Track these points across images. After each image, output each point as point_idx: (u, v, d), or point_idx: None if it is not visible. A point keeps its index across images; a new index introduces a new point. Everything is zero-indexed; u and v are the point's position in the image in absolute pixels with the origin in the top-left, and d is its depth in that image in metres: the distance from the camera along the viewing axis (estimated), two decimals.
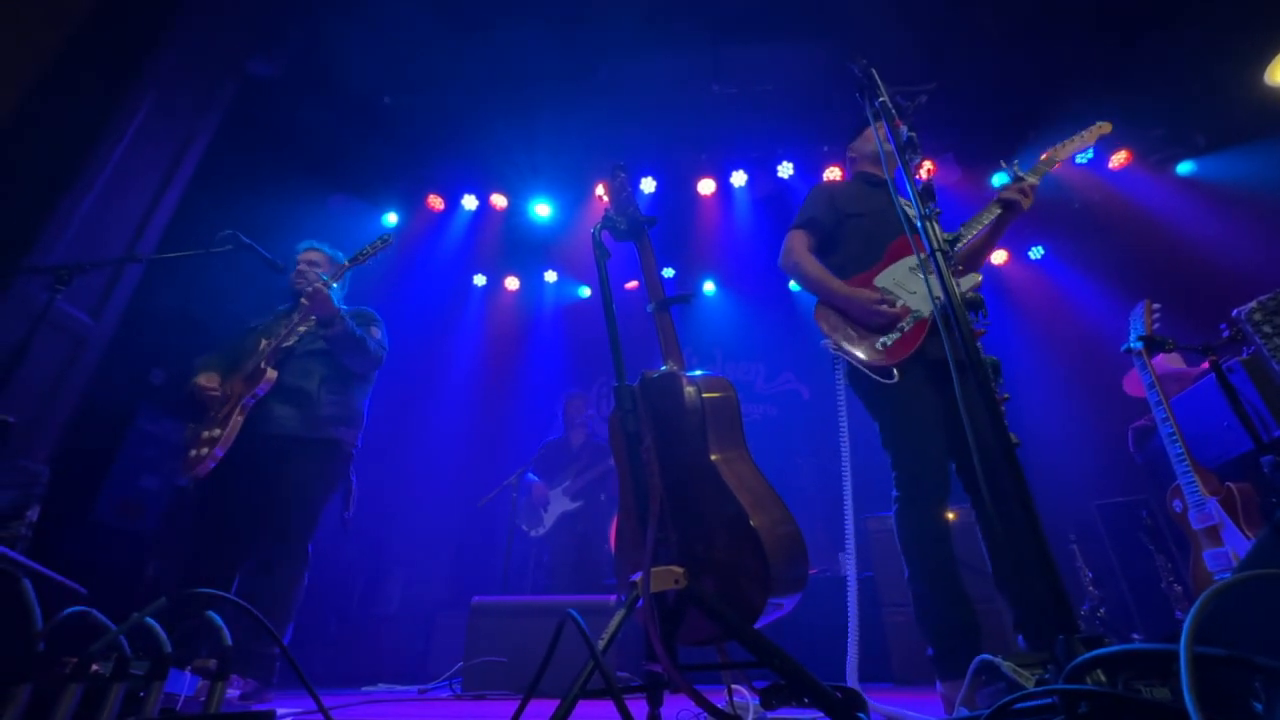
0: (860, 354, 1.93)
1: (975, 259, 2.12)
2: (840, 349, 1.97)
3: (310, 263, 2.83)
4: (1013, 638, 1.74)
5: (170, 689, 1.43)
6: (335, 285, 2.61)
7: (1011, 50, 4.01)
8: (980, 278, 1.94)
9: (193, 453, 2.41)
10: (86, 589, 1.40)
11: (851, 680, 1.69)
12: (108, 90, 2.94)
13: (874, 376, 1.89)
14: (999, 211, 1.99)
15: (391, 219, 5.43)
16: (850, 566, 1.89)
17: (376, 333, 2.79)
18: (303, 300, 2.54)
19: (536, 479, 4.33)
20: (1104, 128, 2.15)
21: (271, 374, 2.48)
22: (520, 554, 4.32)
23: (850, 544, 1.91)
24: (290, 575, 2.39)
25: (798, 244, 2.18)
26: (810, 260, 2.13)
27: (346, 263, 2.69)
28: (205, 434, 2.43)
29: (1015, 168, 2.02)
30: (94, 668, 1.05)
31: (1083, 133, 2.16)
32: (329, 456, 2.56)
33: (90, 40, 2.88)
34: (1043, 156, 2.11)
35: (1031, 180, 2.00)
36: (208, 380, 2.51)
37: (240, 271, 3.08)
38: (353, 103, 4.43)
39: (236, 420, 2.41)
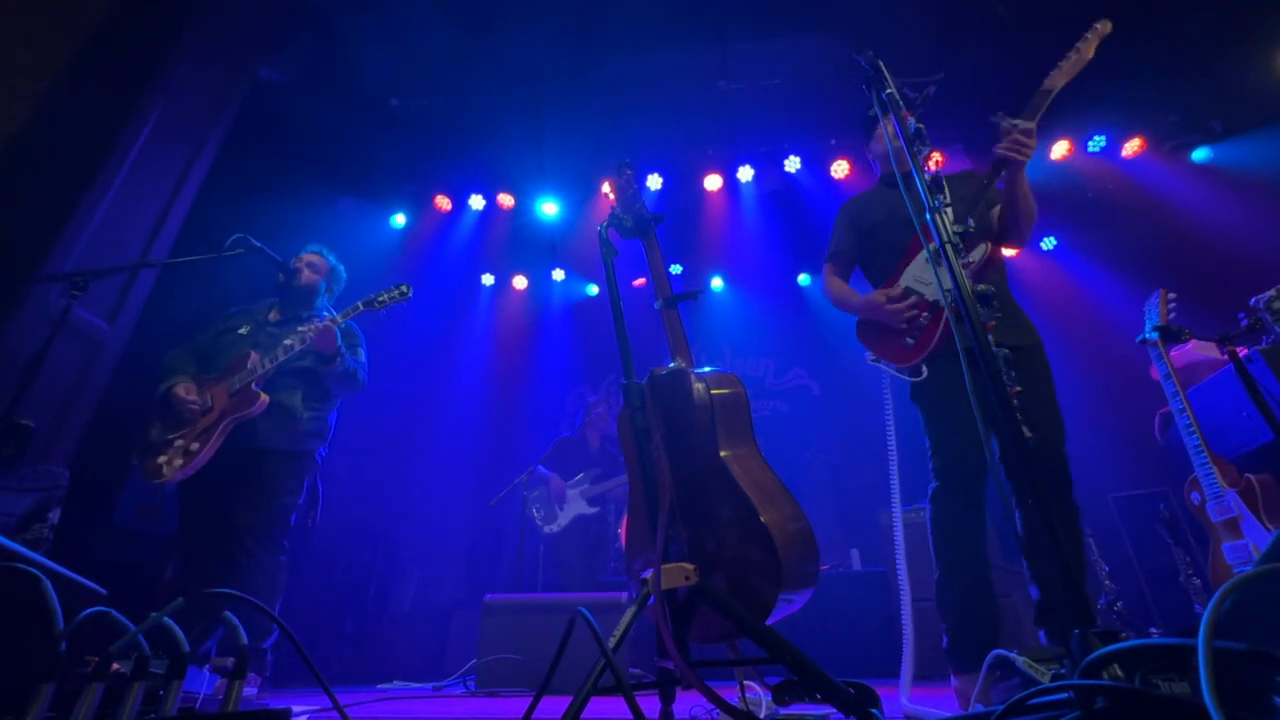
0: (892, 359, 1.96)
1: (1007, 223, 1.96)
2: (878, 361, 2.01)
3: (309, 264, 2.83)
4: (1028, 632, 1.73)
5: (189, 687, 1.45)
6: (343, 323, 2.62)
7: (1020, 37, 3.95)
8: (988, 246, 1.87)
9: (162, 458, 2.36)
10: (106, 590, 1.43)
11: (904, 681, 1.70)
12: (120, 98, 2.97)
13: (906, 377, 1.92)
14: (1003, 170, 1.84)
15: (400, 220, 5.46)
16: (902, 571, 1.90)
17: (360, 354, 2.79)
18: (309, 332, 2.53)
19: (551, 473, 4.32)
20: (1103, 29, 1.85)
21: (265, 398, 2.46)
22: (532, 552, 4.34)
23: (900, 546, 1.91)
24: (271, 574, 2.42)
25: (827, 277, 2.26)
26: (834, 284, 2.22)
27: (360, 305, 2.68)
28: (180, 443, 2.38)
29: (1001, 118, 1.81)
30: (114, 667, 1.07)
31: (1078, 44, 1.84)
32: (303, 467, 2.60)
33: (101, 49, 2.92)
34: (1041, 87, 1.84)
35: (1026, 124, 1.79)
36: (186, 391, 2.44)
37: (252, 274, 3.11)
38: (360, 105, 4.46)
39: (219, 440, 2.39)
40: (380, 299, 2.70)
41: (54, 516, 2.33)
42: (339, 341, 2.57)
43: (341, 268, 2.98)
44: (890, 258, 2.09)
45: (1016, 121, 1.80)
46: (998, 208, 1.98)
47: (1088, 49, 1.84)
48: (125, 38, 3.01)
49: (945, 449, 1.85)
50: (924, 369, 1.86)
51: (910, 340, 1.92)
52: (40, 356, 2.13)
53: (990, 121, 1.84)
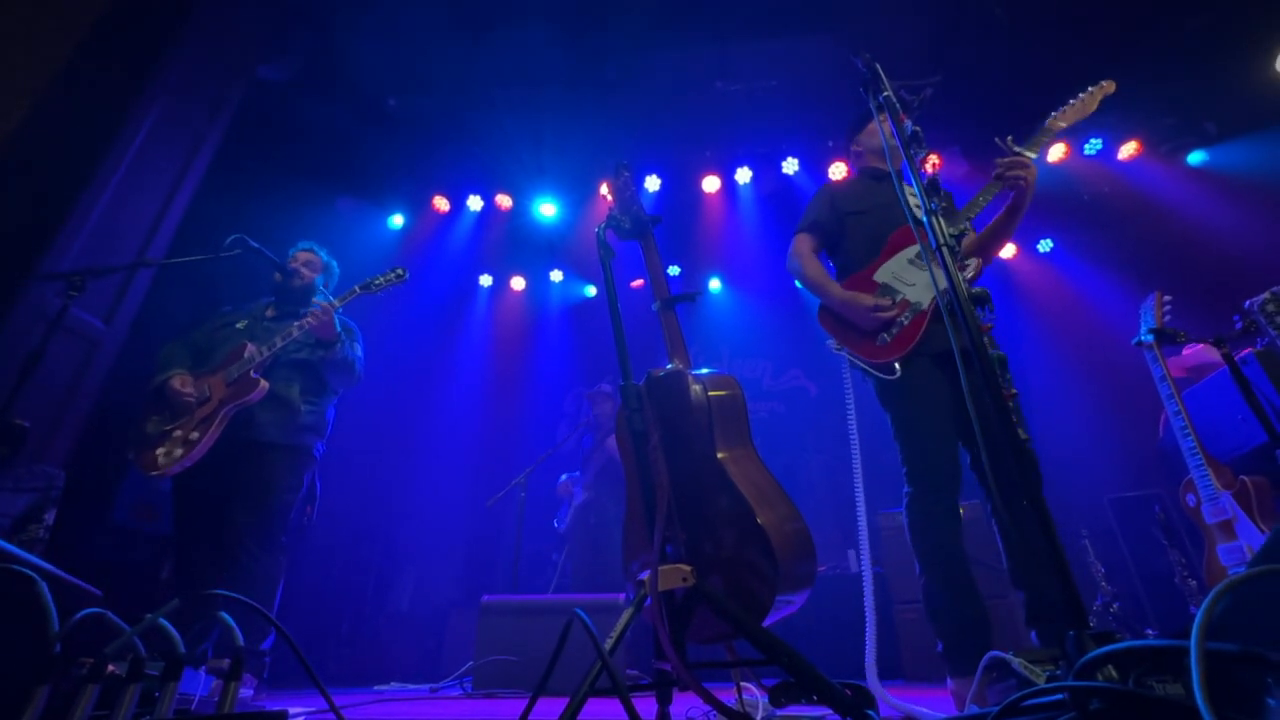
0: (862, 352, 1.94)
1: (986, 250, 2.01)
2: (843, 349, 1.99)
3: (305, 263, 2.83)
4: (1024, 633, 1.73)
5: (185, 689, 1.44)
6: (339, 309, 2.60)
7: (1018, 41, 3.97)
8: (979, 262, 1.88)
9: (159, 450, 2.33)
10: (102, 591, 1.42)
11: (870, 677, 1.69)
12: (118, 96, 2.97)
13: (876, 374, 1.89)
14: (998, 190, 1.90)
15: (397, 220, 5.45)
16: (865, 564, 1.89)
17: (358, 348, 2.78)
18: (308, 319, 2.52)
19: (563, 476, 4.49)
20: (1107, 87, 2.00)
21: (264, 385, 2.43)
22: (531, 552, 4.34)
23: (864, 542, 1.91)
24: (271, 575, 2.40)
25: (802, 247, 2.21)
26: (812, 263, 2.16)
27: (357, 289, 2.67)
28: (178, 433, 2.36)
29: (1009, 143, 1.88)
30: (110, 668, 1.07)
31: (1083, 95, 1.99)
32: (301, 462, 2.58)
33: (100, 47, 2.91)
34: (1044, 125, 1.97)
35: (1030, 155, 1.88)
36: (182, 384, 2.42)
37: (249, 274, 3.11)
38: (359, 105, 4.46)
39: (219, 429, 2.36)
40: (376, 282, 2.70)
41: (49, 517, 2.32)
42: (338, 327, 2.56)
43: (335, 263, 2.98)
44: (863, 250, 2.08)
45: (1023, 151, 1.87)
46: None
47: (1092, 101, 1.98)
48: (123, 36, 3.00)
49: (921, 451, 1.83)
50: (897, 368, 1.85)
51: (886, 337, 1.90)
52: (36, 356, 2.12)
53: (995, 142, 1.88)
